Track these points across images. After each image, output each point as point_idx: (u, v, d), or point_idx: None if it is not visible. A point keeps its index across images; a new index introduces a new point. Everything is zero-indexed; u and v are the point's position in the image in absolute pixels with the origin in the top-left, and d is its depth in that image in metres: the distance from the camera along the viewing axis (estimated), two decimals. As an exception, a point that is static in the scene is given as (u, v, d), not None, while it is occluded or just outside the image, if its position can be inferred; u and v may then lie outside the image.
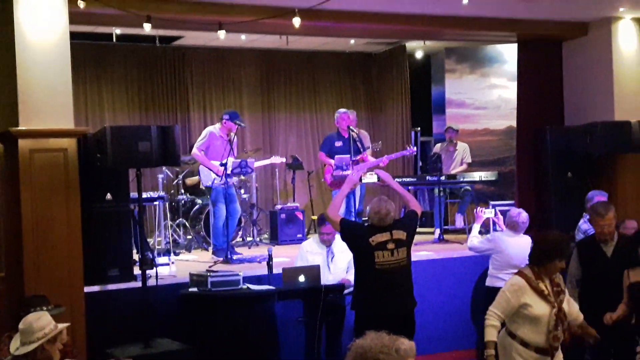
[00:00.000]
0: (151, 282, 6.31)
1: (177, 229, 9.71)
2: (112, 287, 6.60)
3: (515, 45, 9.64)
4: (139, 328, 6.10)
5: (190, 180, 10.15)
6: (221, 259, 8.07)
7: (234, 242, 9.07)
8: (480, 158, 11.44)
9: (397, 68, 12.41)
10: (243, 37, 10.53)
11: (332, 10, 7.55)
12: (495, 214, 7.43)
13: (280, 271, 6.53)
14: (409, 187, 9.59)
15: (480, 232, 7.33)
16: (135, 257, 7.09)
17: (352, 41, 11.57)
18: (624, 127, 8.55)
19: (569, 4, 8.15)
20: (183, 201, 9.89)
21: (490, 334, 4.56)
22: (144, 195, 7.63)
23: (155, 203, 9.16)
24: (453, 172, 10.24)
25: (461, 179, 9.82)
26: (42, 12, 6.21)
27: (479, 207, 7.47)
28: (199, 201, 9.91)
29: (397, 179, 7.82)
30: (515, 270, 6.75)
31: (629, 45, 8.92)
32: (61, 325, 4.02)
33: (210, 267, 7.42)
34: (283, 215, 9.98)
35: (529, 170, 9.24)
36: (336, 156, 8.82)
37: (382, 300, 5.50)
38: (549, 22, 8.92)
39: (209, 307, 6.48)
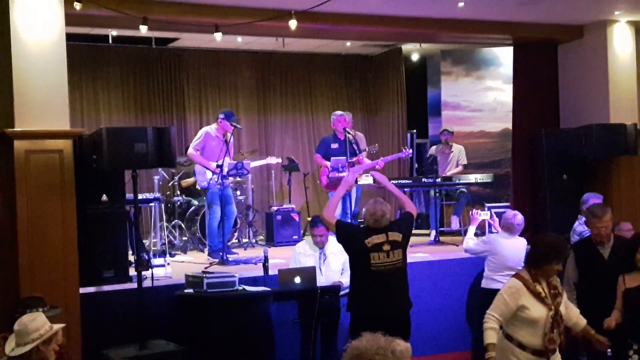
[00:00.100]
0: (147, 283, 6.31)
1: (173, 231, 9.70)
2: (107, 288, 6.59)
3: (511, 48, 9.66)
4: (134, 329, 6.10)
5: (185, 182, 10.14)
6: (217, 260, 8.07)
7: (229, 243, 9.07)
8: (476, 160, 11.46)
9: (393, 70, 12.43)
10: (239, 39, 10.54)
11: (329, 12, 7.56)
12: (491, 216, 7.46)
13: (276, 272, 6.53)
14: (405, 189, 9.59)
15: (475, 234, 7.35)
16: (131, 258, 7.08)
17: (348, 43, 11.58)
18: (619, 130, 8.58)
19: (564, 7, 8.17)
20: (179, 202, 9.89)
21: (490, 337, 4.56)
22: (140, 196, 7.64)
23: (151, 204, 9.15)
24: (449, 174, 10.25)
25: (457, 181, 9.83)
26: (39, 13, 6.20)
27: (474, 209, 7.50)
28: (194, 202, 9.90)
29: (392, 181, 7.83)
30: (511, 272, 6.78)
31: (624, 48, 8.95)
32: (56, 326, 4.02)
33: (206, 268, 7.42)
34: (279, 217, 9.98)
35: (525, 172, 9.26)
36: (332, 158, 8.84)
37: (378, 301, 5.50)
38: (545, 25, 8.94)
39: (204, 309, 6.47)
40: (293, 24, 7.15)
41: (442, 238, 9.36)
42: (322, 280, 6.60)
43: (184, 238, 9.70)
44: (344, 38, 10.52)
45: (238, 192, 10.02)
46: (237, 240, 9.94)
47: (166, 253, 8.64)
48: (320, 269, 6.72)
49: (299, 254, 6.89)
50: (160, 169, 9.75)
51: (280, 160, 10.28)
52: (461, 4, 7.27)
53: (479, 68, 12.03)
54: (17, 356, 3.88)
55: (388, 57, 12.51)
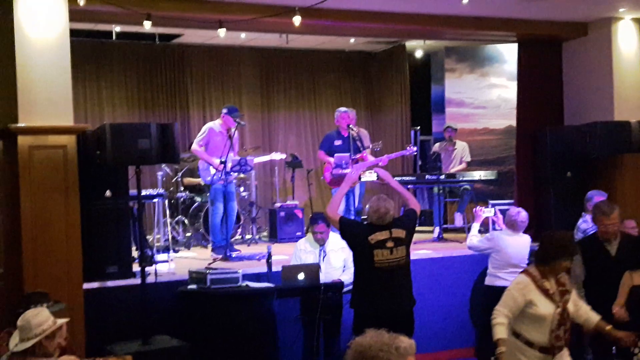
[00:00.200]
0: (150, 279, 6.32)
1: (176, 227, 9.71)
2: (111, 283, 6.61)
3: (515, 45, 9.64)
4: (137, 325, 6.11)
5: (187, 181, 10.15)
6: (220, 256, 8.08)
7: (233, 239, 9.07)
8: (480, 157, 11.44)
9: (397, 67, 12.41)
10: (243, 35, 10.53)
11: (333, 9, 7.56)
12: (495, 213, 7.44)
13: (280, 269, 6.53)
14: (409, 186, 9.59)
15: (479, 231, 7.33)
16: (135, 254, 7.09)
17: (352, 40, 11.57)
18: (623, 127, 8.56)
19: (568, 4, 8.14)
20: (182, 199, 9.90)
21: (500, 332, 4.55)
22: (143, 192, 7.62)
23: (154, 200, 9.16)
24: (452, 170, 10.24)
25: (460, 178, 9.82)
26: (42, 9, 6.20)
27: (478, 206, 7.47)
28: (198, 199, 9.91)
29: (396, 178, 7.80)
30: (515, 269, 6.83)
31: (628, 45, 8.93)
32: (60, 321, 4.02)
33: (209, 264, 7.42)
34: (282, 213, 9.99)
35: (529, 169, 9.25)
36: (335, 154, 8.82)
37: (381, 298, 5.50)
38: (549, 22, 8.92)
39: (208, 305, 6.48)
40: (297, 20, 7.14)
41: (445, 235, 9.36)
42: (322, 277, 6.59)
43: (188, 234, 9.71)
44: (348, 34, 10.51)
45: (241, 189, 10.02)
46: (240, 237, 9.95)
47: (169, 249, 8.65)
48: (320, 266, 6.71)
49: (299, 251, 6.89)
50: (163, 165, 9.75)
51: (284, 156, 10.28)
52: (465, 1, 7.24)
53: (483, 65, 12.01)
54: (20, 351, 3.88)
55: (392, 53, 12.49)
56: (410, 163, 12.15)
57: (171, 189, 10.21)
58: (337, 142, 9.00)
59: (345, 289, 6.47)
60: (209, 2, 7.28)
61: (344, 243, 6.69)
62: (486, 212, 7.42)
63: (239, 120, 8.48)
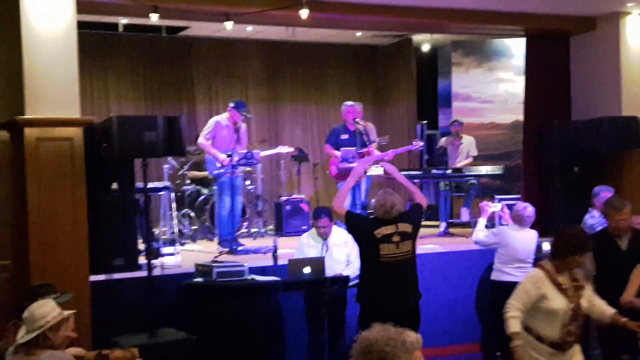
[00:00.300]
0: (156, 271, 6.33)
1: (183, 219, 9.72)
2: (117, 276, 6.61)
3: (523, 39, 9.60)
4: (144, 317, 6.12)
5: (192, 174, 10.16)
6: (226, 249, 8.08)
7: (239, 232, 9.06)
8: (487, 152, 11.42)
9: (404, 61, 12.39)
10: (249, 28, 10.52)
11: (340, 2, 7.55)
12: (501, 208, 7.42)
13: (286, 262, 6.54)
14: (415, 180, 9.55)
15: (486, 226, 7.32)
16: (141, 246, 7.10)
17: (359, 33, 11.55)
18: (631, 123, 8.53)
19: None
20: (188, 191, 9.91)
21: (514, 326, 4.53)
22: (150, 185, 7.64)
23: (160, 193, 9.16)
24: (459, 165, 10.21)
25: (467, 173, 9.79)
26: (49, 1, 6.20)
27: (484, 201, 7.46)
28: (204, 192, 9.92)
29: (402, 172, 7.80)
30: (521, 265, 6.83)
31: (637, 40, 8.88)
32: (65, 313, 4.01)
33: (215, 257, 7.43)
34: (288, 207, 9.99)
35: (535, 164, 9.22)
36: (342, 148, 8.81)
37: (387, 292, 5.50)
38: (557, 16, 8.88)
39: (214, 298, 6.49)
40: (304, 13, 7.12)
41: (451, 230, 9.35)
42: None
43: (194, 227, 9.72)
44: (354, 28, 10.49)
45: (247, 182, 10.03)
46: (246, 230, 9.95)
47: (176, 242, 8.66)
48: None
49: (303, 245, 6.88)
50: (170, 158, 9.76)
51: (291, 149, 10.27)
52: (473, -6, 7.25)
53: (490, 59, 11.97)
54: (24, 343, 3.88)
55: (398, 47, 12.46)
56: (416, 157, 12.13)
57: (177, 181, 10.22)
58: (344, 136, 8.98)
59: (351, 283, 6.46)
60: (216, -5, 7.28)
61: (347, 237, 6.71)
62: (492, 207, 7.41)
63: (245, 114, 8.47)
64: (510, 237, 6.90)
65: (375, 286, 5.55)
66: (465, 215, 10.12)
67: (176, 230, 9.19)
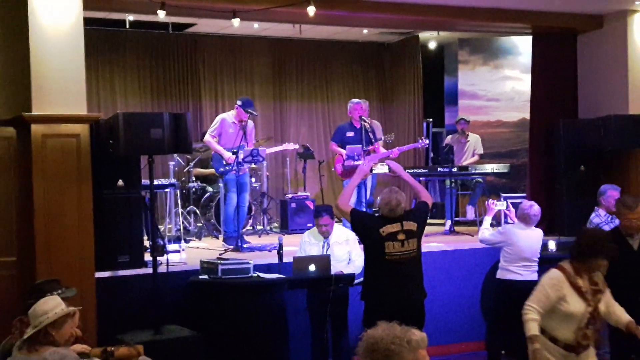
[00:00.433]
0: (162, 268, 6.34)
1: (188, 216, 9.73)
2: (122, 273, 6.62)
3: (530, 37, 9.58)
4: (149, 314, 6.14)
5: (197, 171, 10.17)
6: (231, 246, 8.09)
7: (244, 230, 9.07)
8: (493, 150, 11.40)
9: (410, 58, 12.36)
10: (256, 25, 10.52)
11: (347, -1, 7.54)
12: (507, 207, 7.41)
13: (291, 260, 6.53)
14: (420, 178, 9.55)
15: (491, 225, 7.30)
16: (146, 243, 7.11)
17: (365, 31, 11.53)
18: (638, 121, 8.50)
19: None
20: (194, 188, 9.92)
21: (533, 328, 4.48)
22: (155, 182, 7.64)
23: (166, 190, 9.18)
24: (464, 163, 10.20)
25: (473, 171, 9.78)
26: (57, -3, 6.21)
27: (490, 199, 7.45)
28: (209, 189, 9.93)
29: (408, 170, 7.78)
30: (527, 263, 6.81)
31: (644, 38, 8.86)
32: (68, 309, 3.98)
33: (220, 254, 7.43)
34: (293, 205, 9.99)
35: (542, 163, 9.20)
36: (348, 146, 8.80)
37: (392, 291, 5.48)
38: (564, 14, 8.86)
39: (219, 295, 6.50)
40: (311, 10, 7.12)
41: (457, 228, 9.33)
42: None
43: (199, 224, 9.73)
44: (361, 25, 10.48)
45: (253, 179, 10.03)
46: (251, 228, 9.96)
47: (181, 239, 8.67)
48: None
49: (304, 243, 6.86)
50: (175, 155, 9.77)
51: (297, 146, 10.27)
52: (480, -8, 7.23)
53: (497, 57, 11.95)
54: (26, 339, 3.88)
55: (405, 45, 12.44)
56: (422, 155, 12.11)
57: (183, 178, 10.23)
58: (350, 134, 8.97)
59: (356, 281, 6.46)
60: (223, -8, 7.28)
61: (348, 235, 6.72)
62: (498, 205, 7.39)
63: (251, 112, 8.47)
64: (516, 236, 6.89)
65: (380, 284, 5.54)
66: (470, 213, 10.11)
67: (181, 227, 9.20)
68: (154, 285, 6.14)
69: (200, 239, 9.34)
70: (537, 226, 7.01)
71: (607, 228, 6.81)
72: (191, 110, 11.30)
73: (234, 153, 8.27)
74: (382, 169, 7.62)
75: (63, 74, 6.23)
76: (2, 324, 4.91)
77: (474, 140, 10.48)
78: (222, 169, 8.53)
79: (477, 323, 7.83)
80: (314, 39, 12.07)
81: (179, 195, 9.42)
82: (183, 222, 9.42)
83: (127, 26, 10.76)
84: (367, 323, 5.32)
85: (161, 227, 9.14)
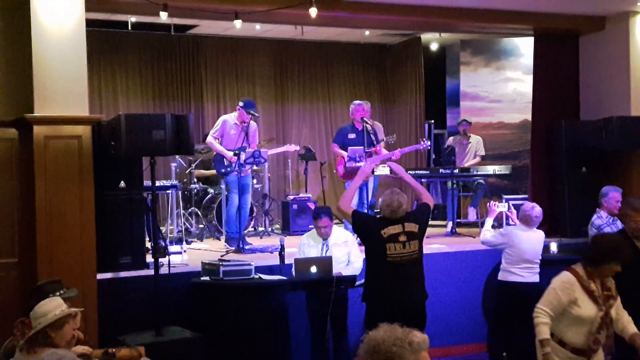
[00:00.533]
0: (163, 270, 6.33)
1: (190, 218, 9.74)
2: (124, 274, 6.63)
3: (532, 38, 9.58)
4: (150, 316, 6.13)
5: (199, 173, 10.17)
6: (233, 248, 8.09)
7: (245, 231, 9.07)
8: (494, 152, 11.39)
9: (412, 60, 12.37)
10: (258, 26, 10.53)
11: (349, 0, 7.54)
12: (509, 208, 7.41)
13: (292, 262, 6.53)
14: (422, 180, 9.55)
15: (493, 226, 7.30)
16: (148, 245, 7.11)
17: (367, 32, 11.54)
18: (639, 123, 8.48)
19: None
20: (196, 190, 9.92)
21: (544, 332, 4.47)
22: (157, 183, 7.65)
23: (168, 191, 9.19)
24: (466, 164, 10.20)
25: (474, 173, 9.78)
26: (59, -1, 6.22)
27: (492, 201, 7.44)
28: (211, 190, 9.93)
29: (410, 172, 7.80)
30: (528, 265, 6.81)
31: (646, 40, 8.86)
32: (69, 310, 3.95)
33: (222, 256, 7.43)
34: (295, 206, 9.99)
35: (543, 164, 9.20)
36: (349, 148, 8.80)
37: (394, 292, 5.49)
38: (566, 15, 8.86)
39: (220, 296, 6.50)
40: (313, 11, 7.12)
41: (459, 229, 9.33)
42: None
43: (201, 225, 9.73)
44: (363, 27, 10.48)
45: (255, 181, 10.03)
46: (253, 229, 9.96)
47: (183, 240, 8.67)
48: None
49: (303, 245, 6.84)
50: (177, 156, 9.77)
51: (298, 148, 10.28)
52: (482, -6, 7.24)
53: (498, 58, 11.95)
54: (27, 341, 3.87)
55: (407, 46, 12.45)
56: (424, 157, 12.12)
57: (185, 180, 10.24)
58: (351, 136, 8.97)
59: (358, 283, 6.45)
60: (225, -7, 7.28)
61: (347, 237, 6.72)
62: (500, 206, 7.39)
63: (253, 113, 8.47)
64: (518, 238, 6.89)
65: (381, 286, 5.54)
66: (472, 215, 10.11)
67: (183, 228, 9.21)
68: (156, 286, 6.14)
69: (201, 241, 9.34)
70: (538, 228, 7.01)
71: (608, 230, 6.83)
72: (193, 111, 11.31)
73: (235, 154, 8.28)
74: (383, 170, 7.62)
75: (65, 75, 6.23)
76: (4, 325, 4.91)
77: (476, 142, 10.48)
78: (223, 170, 8.53)
79: (478, 325, 7.83)
80: (315, 41, 12.08)
81: (180, 196, 9.42)
82: (185, 224, 9.43)
83: (129, 28, 10.77)
84: (368, 325, 5.32)
85: (163, 229, 9.14)
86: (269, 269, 6.87)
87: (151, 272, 6.26)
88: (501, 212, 7.67)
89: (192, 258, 7.57)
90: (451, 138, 10.79)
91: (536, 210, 6.94)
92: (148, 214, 7.12)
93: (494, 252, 7.35)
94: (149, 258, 6.60)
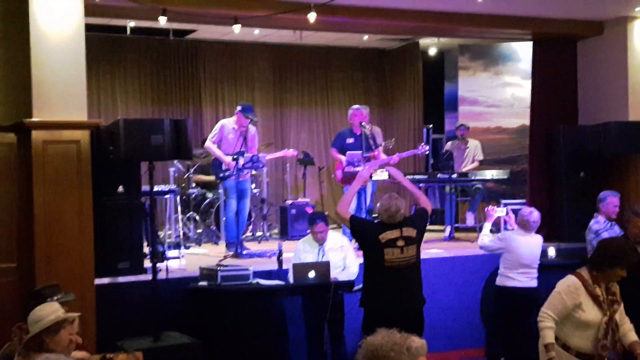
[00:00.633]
0: (161, 275, 6.33)
1: (188, 223, 9.73)
2: (122, 279, 6.61)
3: (530, 43, 9.59)
4: (148, 321, 6.12)
5: (197, 178, 10.17)
6: (231, 253, 8.09)
7: (244, 236, 9.07)
8: (493, 156, 11.39)
9: (410, 65, 12.39)
10: (256, 31, 10.54)
11: (347, 5, 7.55)
12: (507, 213, 7.41)
13: (290, 267, 6.53)
14: (420, 185, 9.55)
15: (491, 231, 7.31)
16: (146, 250, 7.11)
17: (366, 37, 11.55)
18: (638, 127, 8.51)
19: (584, 2, 8.10)
20: (194, 195, 9.92)
21: (549, 336, 4.47)
22: (156, 188, 7.64)
23: (166, 196, 9.17)
24: (464, 169, 10.20)
25: (473, 177, 9.78)
26: (57, 4, 6.22)
27: (490, 206, 7.45)
28: (209, 195, 9.93)
29: (408, 176, 7.80)
30: (526, 270, 6.81)
31: (644, 44, 8.87)
32: (65, 315, 3.92)
33: (220, 261, 7.43)
34: (293, 211, 9.99)
35: (541, 169, 9.20)
36: (348, 152, 8.80)
37: (391, 297, 5.49)
38: (564, 20, 8.87)
39: (218, 301, 6.49)
40: (312, 16, 7.14)
41: (457, 234, 9.34)
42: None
43: (199, 230, 9.72)
44: (362, 31, 10.49)
45: (253, 185, 10.03)
46: (251, 234, 9.96)
47: (181, 245, 8.66)
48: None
49: (299, 251, 6.83)
50: (176, 161, 9.78)
51: (295, 152, 10.27)
52: (480, -1, 7.24)
53: (497, 63, 11.96)
54: (23, 346, 3.85)
55: (405, 51, 12.47)
56: (422, 162, 12.12)
57: (183, 185, 10.24)
58: (350, 140, 8.97)
59: (356, 288, 6.45)
60: (224, -2, 7.29)
61: (343, 241, 6.72)
62: (498, 211, 7.40)
63: (251, 117, 8.47)
64: (516, 242, 6.89)
65: (379, 291, 5.54)
66: (470, 219, 10.10)
67: (181, 233, 9.20)
68: (154, 291, 6.14)
69: (200, 245, 9.34)
70: (536, 233, 7.01)
71: (606, 234, 6.83)
72: (191, 116, 11.32)
73: (234, 159, 8.27)
74: (382, 175, 7.63)
75: (64, 80, 6.24)
76: (2, 330, 4.90)
77: (474, 147, 10.49)
78: (222, 175, 8.53)
79: (476, 330, 7.83)
80: (314, 45, 12.10)
81: (179, 201, 9.41)
82: (183, 229, 9.42)
83: (128, 32, 10.78)
84: (366, 330, 5.33)
85: (161, 234, 9.14)
86: (267, 274, 6.87)
87: (149, 277, 6.25)
88: (499, 217, 7.68)
89: (190, 263, 7.56)
90: (449, 143, 10.79)
91: (534, 215, 6.95)
92: (146, 218, 7.12)
93: (492, 256, 7.36)
94: (147, 263, 6.59)
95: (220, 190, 9.07)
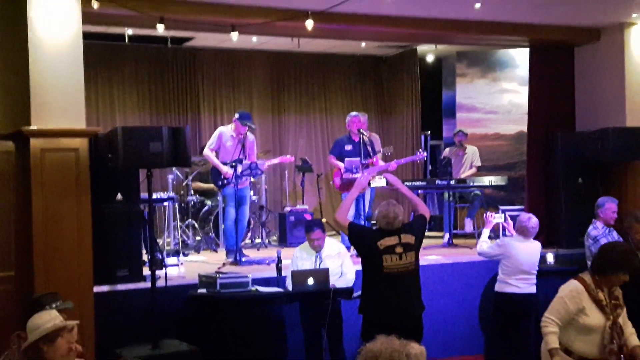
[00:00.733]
0: (160, 282, 6.32)
1: (187, 230, 9.73)
2: (121, 287, 6.61)
3: (527, 49, 9.62)
4: (147, 328, 6.12)
5: (195, 185, 10.17)
6: (230, 260, 8.09)
7: (242, 243, 9.06)
8: (491, 163, 11.41)
9: (408, 71, 12.41)
10: (254, 39, 10.55)
11: (345, 13, 7.56)
12: (505, 219, 7.41)
13: (288, 274, 6.53)
14: (419, 191, 9.56)
15: (489, 237, 7.30)
16: (145, 257, 7.11)
17: (363, 44, 11.57)
18: (635, 134, 8.51)
19: (581, 9, 8.12)
20: (192, 202, 9.92)
21: (552, 341, 4.46)
22: (154, 196, 7.65)
23: (165, 204, 9.18)
24: (462, 176, 10.21)
25: (471, 184, 9.79)
26: (56, 12, 6.23)
27: (488, 212, 7.45)
28: (208, 202, 9.93)
29: (406, 183, 7.83)
30: (525, 276, 6.81)
31: (641, 51, 8.90)
32: (62, 323, 3.90)
33: (219, 268, 7.43)
34: (292, 218, 9.99)
35: (539, 175, 9.21)
36: (346, 159, 8.81)
37: (390, 304, 5.49)
38: (561, 27, 8.90)
39: (217, 309, 6.48)
40: (309, 24, 7.15)
41: (455, 241, 9.33)
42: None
43: (198, 238, 9.72)
44: (359, 39, 10.51)
45: (252, 192, 10.04)
46: (250, 241, 9.95)
47: (179, 253, 8.66)
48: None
49: (296, 258, 6.83)
50: (174, 169, 9.78)
51: (292, 159, 10.28)
52: (478, 5, 7.25)
53: (494, 70, 11.98)
54: (21, 355, 3.84)
55: (403, 58, 12.49)
56: (420, 168, 12.13)
57: (182, 192, 10.24)
58: (348, 147, 8.98)
59: (355, 295, 6.45)
60: (221, 6, 7.28)
61: (339, 248, 6.73)
62: (496, 217, 7.40)
63: (249, 124, 8.48)
64: (514, 249, 6.89)
65: (378, 297, 5.54)
66: (469, 226, 10.11)
67: (180, 241, 9.19)
68: (153, 299, 6.13)
69: (198, 253, 9.32)
70: (535, 239, 7.01)
71: (604, 240, 6.83)
72: (190, 123, 11.31)
73: (232, 166, 8.28)
74: (380, 182, 7.64)
75: (62, 88, 6.24)
76: (1, 339, 4.89)
77: (472, 153, 10.50)
78: (220, 183, 8.53)
79: (475, 336, 7.83)
80: (312, 53, 12.11)
81: (177, 209, 9.42)
82: (182, 236, 9.42)
83: (126, 40, 10.79)
84: (365, 336, 5.32)
85: (160, 241, 9.14)
86: (266, 281, 6.87)
87: (148, 284, 6.25)
88: (498, 223, 7.68)
89: (189, 270, 7.56)
90: (447, 149, 10.81)
91: (532, 221, 6.95)
92: (145, 226, 7.12)
93: (490, 263, 7.36)
94: (146, 271, 6.59)
95: (219, 198, 9.07)
